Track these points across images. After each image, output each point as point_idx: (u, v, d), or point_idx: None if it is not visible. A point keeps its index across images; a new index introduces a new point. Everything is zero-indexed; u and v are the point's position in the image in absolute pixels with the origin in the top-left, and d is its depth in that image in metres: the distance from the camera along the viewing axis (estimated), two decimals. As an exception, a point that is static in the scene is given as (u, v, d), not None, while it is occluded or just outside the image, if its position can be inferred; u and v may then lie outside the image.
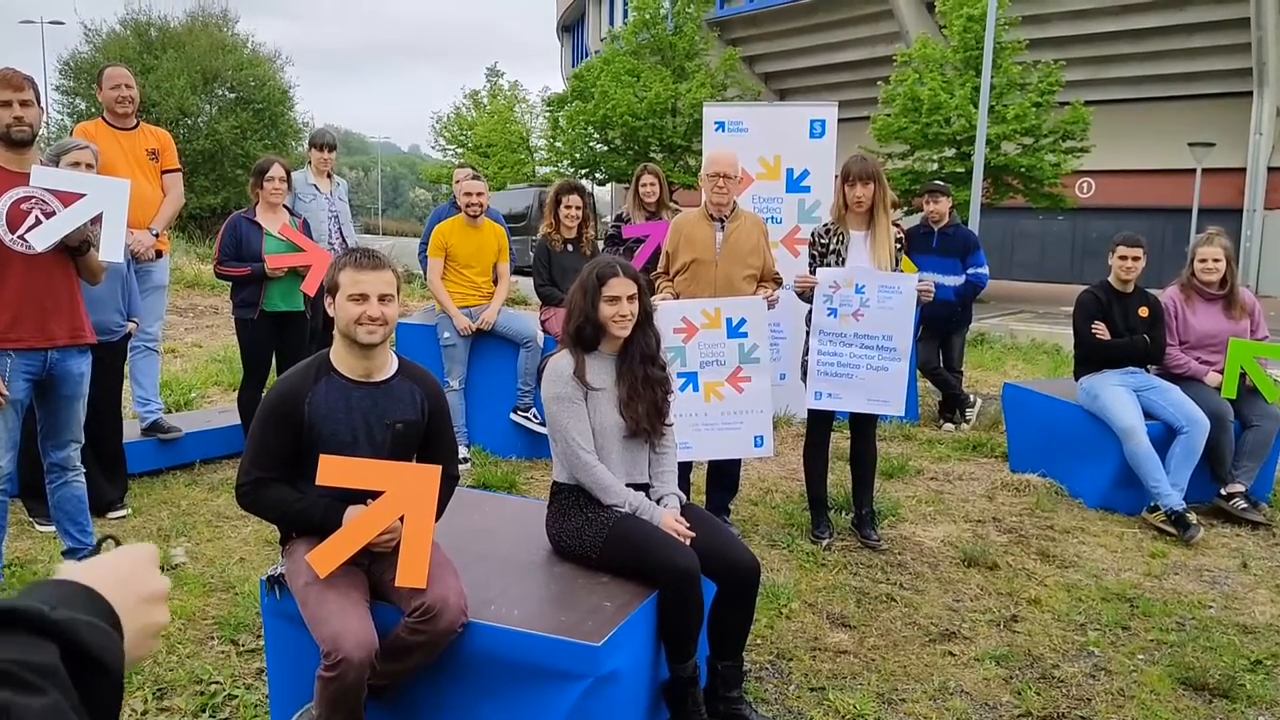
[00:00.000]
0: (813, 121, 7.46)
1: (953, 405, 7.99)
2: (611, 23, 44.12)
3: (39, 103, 3.97)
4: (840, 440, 5.59)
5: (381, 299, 2.97)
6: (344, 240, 6.88)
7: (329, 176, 7.02)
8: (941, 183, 8.19)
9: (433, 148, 51.34)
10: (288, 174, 6.07)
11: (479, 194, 6.40)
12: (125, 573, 1.10)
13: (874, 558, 5.02)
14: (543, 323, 6.68)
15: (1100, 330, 5.89)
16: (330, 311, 3.04)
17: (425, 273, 7.18)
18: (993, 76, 24.04)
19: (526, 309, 7.11)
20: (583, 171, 36.09)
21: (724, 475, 5.30)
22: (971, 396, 8.12)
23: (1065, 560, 5.07)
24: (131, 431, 5.78)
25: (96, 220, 3.99)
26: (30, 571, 4.38)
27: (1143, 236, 6.08)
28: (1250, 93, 27.93)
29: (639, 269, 6.59)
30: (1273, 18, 26.44)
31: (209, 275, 15.91)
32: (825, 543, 5.13)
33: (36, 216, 3.89)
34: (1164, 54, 29.59)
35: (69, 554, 4.27)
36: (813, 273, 5.07)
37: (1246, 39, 27.02)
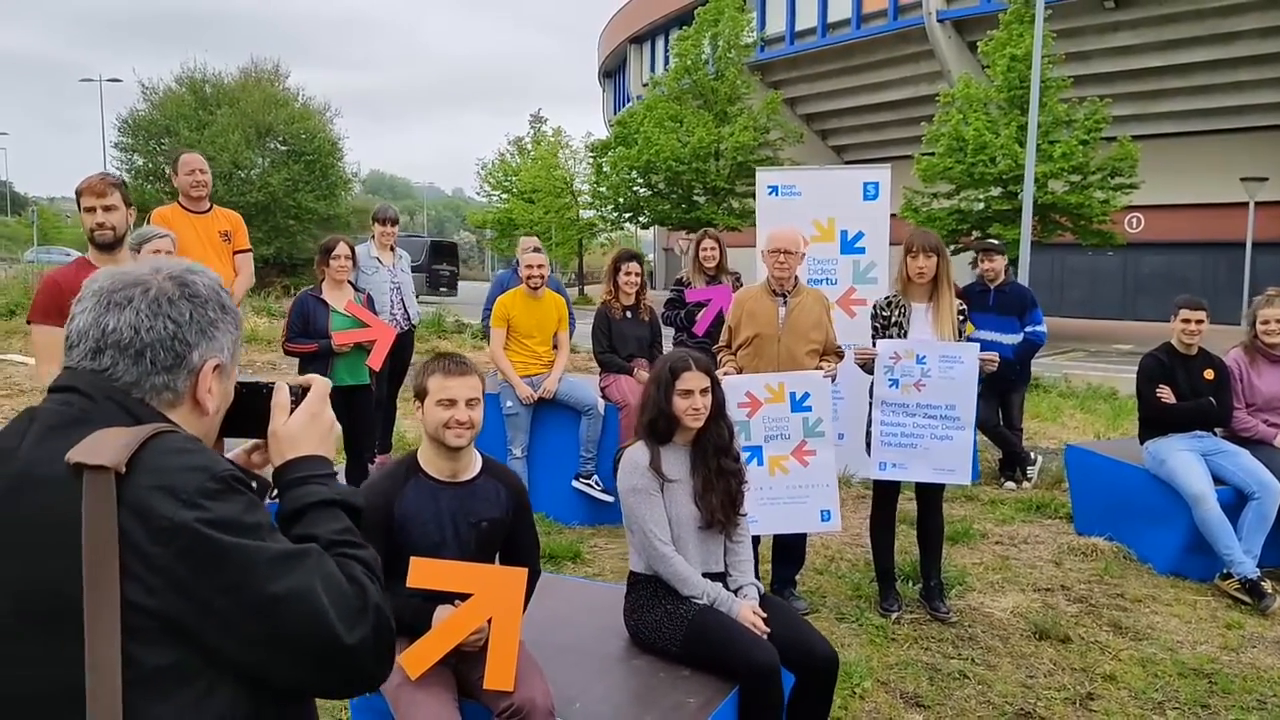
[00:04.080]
0: (866, 184, 7.51)
1: (1013, 463, 7.94)
2: (653, 69, 44.60)
3: (127, 204, 4.12)
4: (903, 503, 5.59)
5: (468, 403, 3.06)
6: (406, 312, 7.02)
7: (391, 249, 7.17)
8: (996, 241, 8.19)
9: (477, 193, 51.85)
10: (352, 251, 6.21)
11: (539, 266, 6.52)
12: (323, 428, 1.63)
13: (944, 631, 5.01)
14: (603, 389, 6.75)
15: (1165, 394, 5.86)
16: (418, 415, 3.13)
17: (485, 332, 7.33)
18: (1040, 114, 24.04)
19: (587, 376, 7.18)
20: (627, 215, 36.42)
21: (789, 549, 5.32)
22: (1032, 454, 8.07)
23: (1138, 632, 5.02)
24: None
25: None
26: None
27: (1205, 300, 6.03)
28: (1301, 125, 27.68)
29: (701, 334, 6.72)
30: (1321, 50, 26.24)
31: (265, 329, 16.23)
32: (894, 615, 5.12)
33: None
34: (1211, 88, 29.41)
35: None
36: (874, 344, 5.10)
37: (1295, 72, 26.82)
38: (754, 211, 31.49)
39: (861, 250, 7.52)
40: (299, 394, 1.64)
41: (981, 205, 26.07)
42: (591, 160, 38.05)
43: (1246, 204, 25.76)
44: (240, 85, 33.34)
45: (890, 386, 5.00)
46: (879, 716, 4.14)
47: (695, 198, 33.02)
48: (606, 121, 53.64)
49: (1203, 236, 29.51)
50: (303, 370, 6.13)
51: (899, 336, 5.08)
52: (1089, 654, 4.76)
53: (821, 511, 4.99)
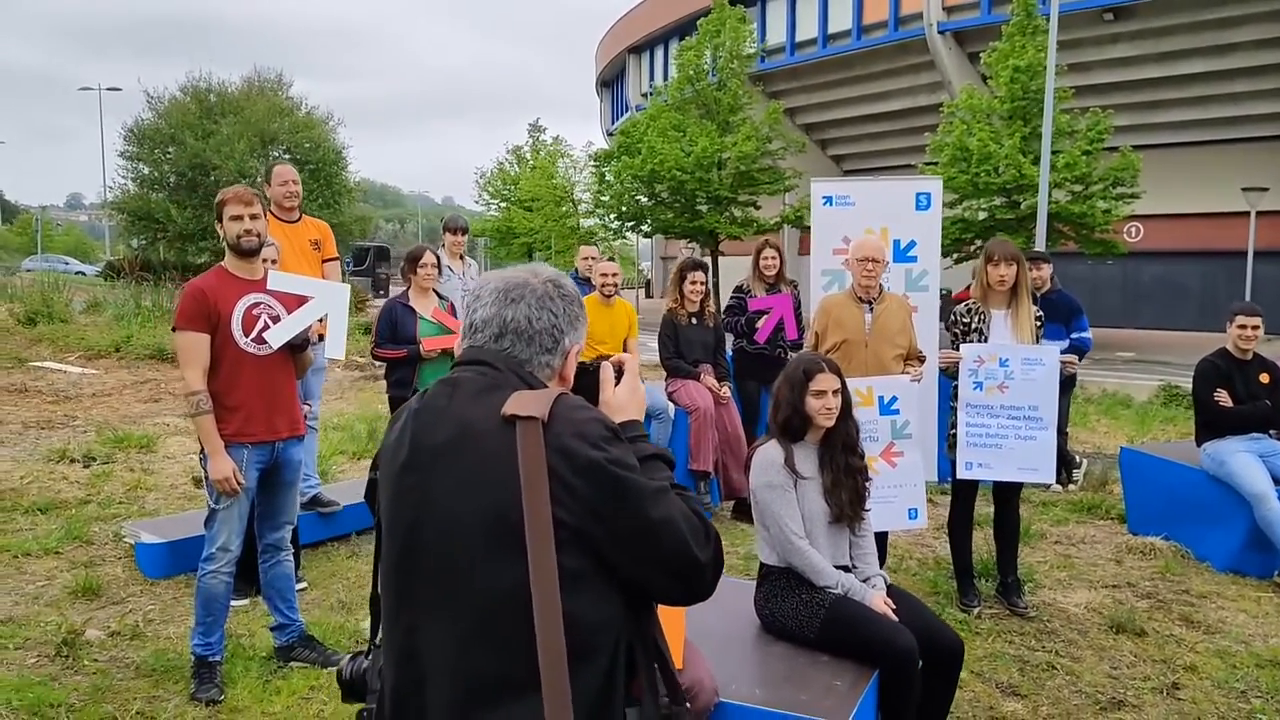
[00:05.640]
0: (918, 194, 7.70)
1: (1061, 466, 8.16)
2: (652, 79, 44.85)
3: (266, 213, 4.32)
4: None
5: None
6: (476, 318, 7.19)
7: (461, 258, 7.36)
8: (1041, 250, 8.42)
9: (476, 202, 52.09)
10: (438, 260, 6.40)
11: (614, 274, 6.74)
12: (639, 398, 2.04)
13: (1025, 625, 5.21)
14: (670, 394, 6.94)
15: (1223, 398, 6.08)
16: None
17: None
18: (1042, 125, 24.35)
19: (652, 382, 7.37)
20: (629, 224, 36.59)
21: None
22: (1077, 457, 8.29)
23: (1210, 626, 5.23)
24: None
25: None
26: (236, 643, 4.63)
27: (1260, 306, 6.26)
28: (1299, 136, 28.08)
29: (763, 342, 6.92)
30: (1318, 63, 26.63)
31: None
32: (975, 611, 5.32)
33: (265, 321, 4.21)
34: (1208, 99, 29.83)
35: (277, 630, 4.54)
36: (955, 349, 5.31)
37: (1292, 83, 27.21)
38: (755, 220, 31.86)
39: (914, 259, 7.70)
40: (619, 371, 2.06)
41: (985, 215, 26.40)
42: (594, 169, 38.25)
43: (1245, 214, 26.10)
44: (244, 94, 33.46)
45: (975, 389, 5.21)
46: (979, 705, 4.34)
47: (698, 207, 33.25)
48: (604, 131, 53.93)
49: (1202, 245, 29.91)
50: (390, 374, 6.32)
51: (979, 342, 5.29)
52: (1166, 646, 4.97)
53: (909, 510, 5.20)
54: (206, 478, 4.19)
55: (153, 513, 6.64)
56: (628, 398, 2.02)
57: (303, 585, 5.52)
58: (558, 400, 1.75)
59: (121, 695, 4.13)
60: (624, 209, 35.51)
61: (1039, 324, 5.41)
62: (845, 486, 3.79)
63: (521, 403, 1.72)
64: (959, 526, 5.49)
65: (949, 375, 5.37)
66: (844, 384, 3.83)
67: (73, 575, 5.42)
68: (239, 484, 4.13)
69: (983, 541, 5.88)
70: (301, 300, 4.35)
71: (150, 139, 31.91)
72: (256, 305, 4.23)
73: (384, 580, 1.89)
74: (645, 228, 36.55)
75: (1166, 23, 28.52)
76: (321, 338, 4.72)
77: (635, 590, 1.79)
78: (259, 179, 32.20)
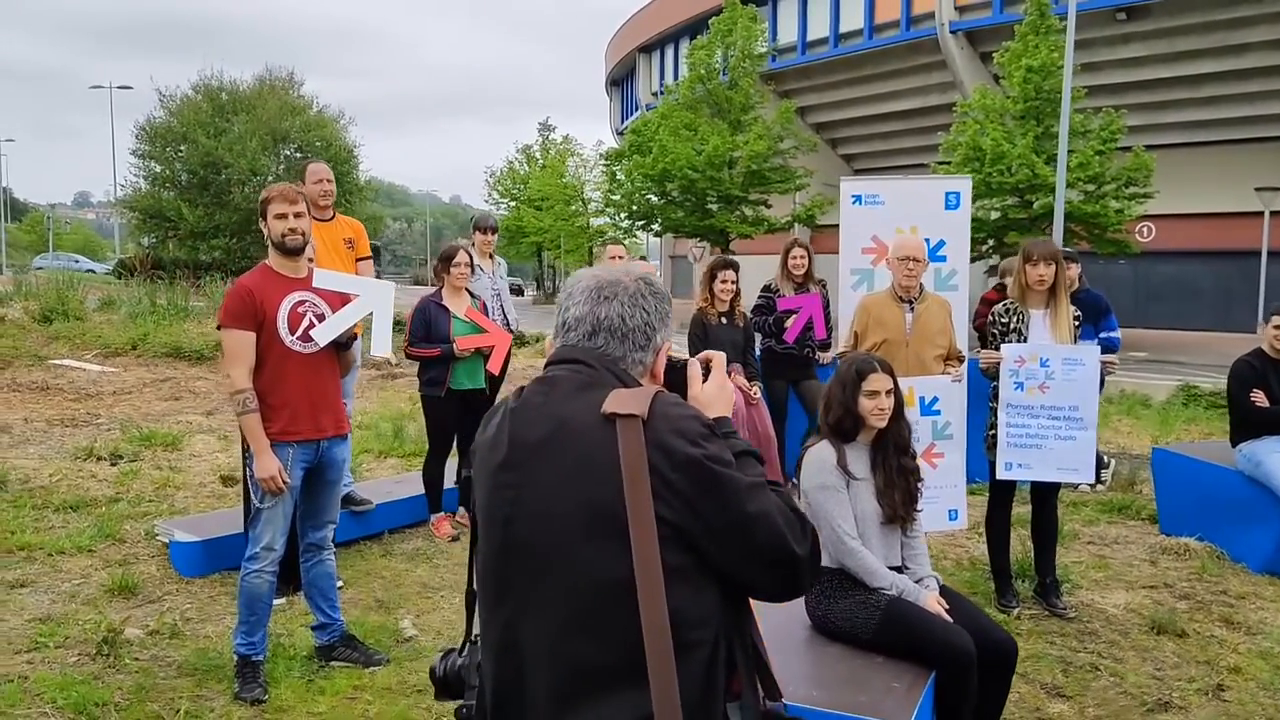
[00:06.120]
0: (948, 194, 7.66)
1: (1091, 466, 8.13)
2: (662, 78, 44.83)
3: (321, 213, 4.30)
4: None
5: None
6: (505, 317, 7.18)
7: (490, 257, 7.34)
8: (1071, 249, 8.37)
9: (486, 201, 52.13)
10: (471, 260, 6.39)
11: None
12: (727, 395, 2.00)
13: (1065, 626, 5.18)
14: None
15: (1259, 398, 6.05)
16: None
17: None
18: (1054, 125, 24.32)
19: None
20: (640, 223, 36.59)
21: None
22: (1105, 457, 8.25)
23: (1250, 627, 5.21)
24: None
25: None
26: (276, 642, 4.62)
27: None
28: (1313, 136, 27.98)
29: (791, 341, 6.89)
30: (1333, 62, 26.54)
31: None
32: (1014, 611, 5.30)
33: (310, 319, 4.20)
34: (1221, 99, 29.71)
35: (319, 629, 4.53)
36: (995, 349, 5.28)
37: (1307, 83, 27.12)
38: (766, 219, 31.85)
39: (943, 259, 7.66)
40: (706, 367, 2.05)
41: (997, 214, 26.36)
42: (605, 168, 38.25)
43: (1258, 213, 25.97)
44: (256, 93, 33.53)
45: (1015, 389, 5.18)
46: (1025, 706, 4.31)
47: (709, 206, 33.24)
48: (613, 130, 53.91)
49: (1214, 245, 29.78)
50: (423, 373, 6.31)
51: (1019, 342, 5.26)
52: (1208, 648, 4.94)
53: (949, 511, 5.19)
54: (251, 476, 4.17)
55: (182, 511, 6.64)
56: (716, 393, 2.00)
57: (339, 584, 5.52)
58: (656, 398, 1.76)
59: (166, 694, 4.12)
60: (634, 208, 35.52)
61: (1077, 324, 5.38)
62: (898, 487, 3.77)
63: (621, 401, 1.74)
64: (997, 527, 5.46)
65: (988, 376, 5.34)
66: (896, 384, 3.81)
67: (108, 573, 5.41)
68: (284, 482, 4.11)
69: (1016, 542, 5.85)
70: (346, 298, 4.34)
71: (162, 137, 31.98)
72: (302, 303, 4.21)
73: (482, 575, 1.90)
74: (656, 226, 36.54)
75: (1179, 22, 28.42)
76: (355, 337, 4.71)
77: (733, 586, 1.80)
78: (269, 178, 32.40)
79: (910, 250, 5.28)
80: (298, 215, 4.20)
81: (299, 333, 4.17)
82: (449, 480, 6.58)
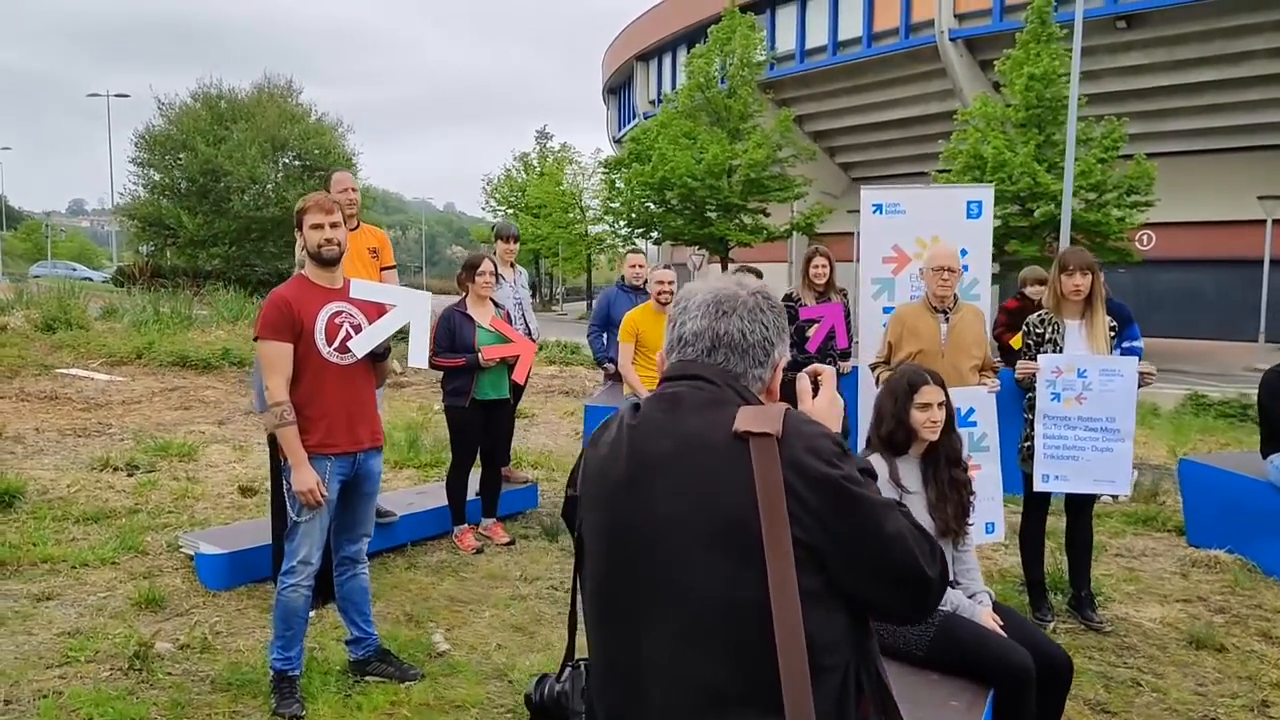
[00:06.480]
0: (969, 203, 7.64)
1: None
2: (659, 86, 44.84)
3: (357, 221, 4.25)
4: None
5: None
6: (527, 325, 7.13)
7: (512, 265, 7.29)
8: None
9: (483, 208, 52.11)
10: (496, 268, 6.33)
11: (669, 282, 6.66)
12: (838, 409, 1.98)
13: (1102, 640, 5.13)
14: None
15: (1292, 409, 6.01)
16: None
17: (593, 348, 7.49)
18: (1056, 133, 24.36)
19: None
20: (639, 231, 36.57)
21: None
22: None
23: (1290, 641, 5.16)
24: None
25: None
26: (309, 656, 4.55)
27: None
28: (1313, 144, 28.07)
29: (813, 351, 6.85)
30: (1332, 71, 26.62)
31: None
32: (1050, 625, 5.24)
33: (347, 330, 4.14)
34: (1220, 107, 29.82)
35: (353, 644, 4.47)
36: (1032, 359, 5.23)
37: (1306, 91, 27.19)
38: (765, 228, 31.87)
39: (965, 268, 7.63)
40: (815, 382, 2.03)
41: (999, 223, 26.34)
42: (604, 176, 38.23)
43: (1260, 221, 26.04)
44: (255, 101, 33.45)
45: (1052, 400, 5.13)
46: (1070, 722, 4.26)
47: (708, 214, 33.23)
48: (611, 138, 53.92)
49: (1215, 254, 29.81)
50: (446, 383, 6.24)
51: (1054, 352, 5.22)
52: (1249, 663, 4.89)
53: (986, 524, 5.13)
54: (289, 489, 4.09)
55: (203, 522, 6.57)
56: (827, 409, 1.97)
57: (366, 597, 5.45)
58: (787, 415, 1.72)
59: (202, 710, 4.05)
60: (634, 216, 35.49)
61: (1112, 334, 5.33)
62: (951, 501, 3.72)
63: (753, 418, 1.70)
64: (1032, 538, 5.41)
65: (1023, 386, 5.30)
66: (948, 396, 3.76)
67: (134, 586, 5.34)
68: (322, 496, 4.05)
69: (1046, 554, 5.80)
70: (382, 309, 4.28)
71: (162, 145, 31.90)
72: (339, 314, 4.16)
73: (593, 597, 1.85)
74: (655, 234, 36.52)
75: (1179, 31, 28.52)
76: (389, 347, 4.64)
77: (860, 607, 1.76)
78: (268, 186, 32.35)
79: (945, 260, 5.24)
80: (334, 225, 4.15)
81: (336, 344, 4.11)
82: (472, 491, 6.52)
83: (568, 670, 1.97)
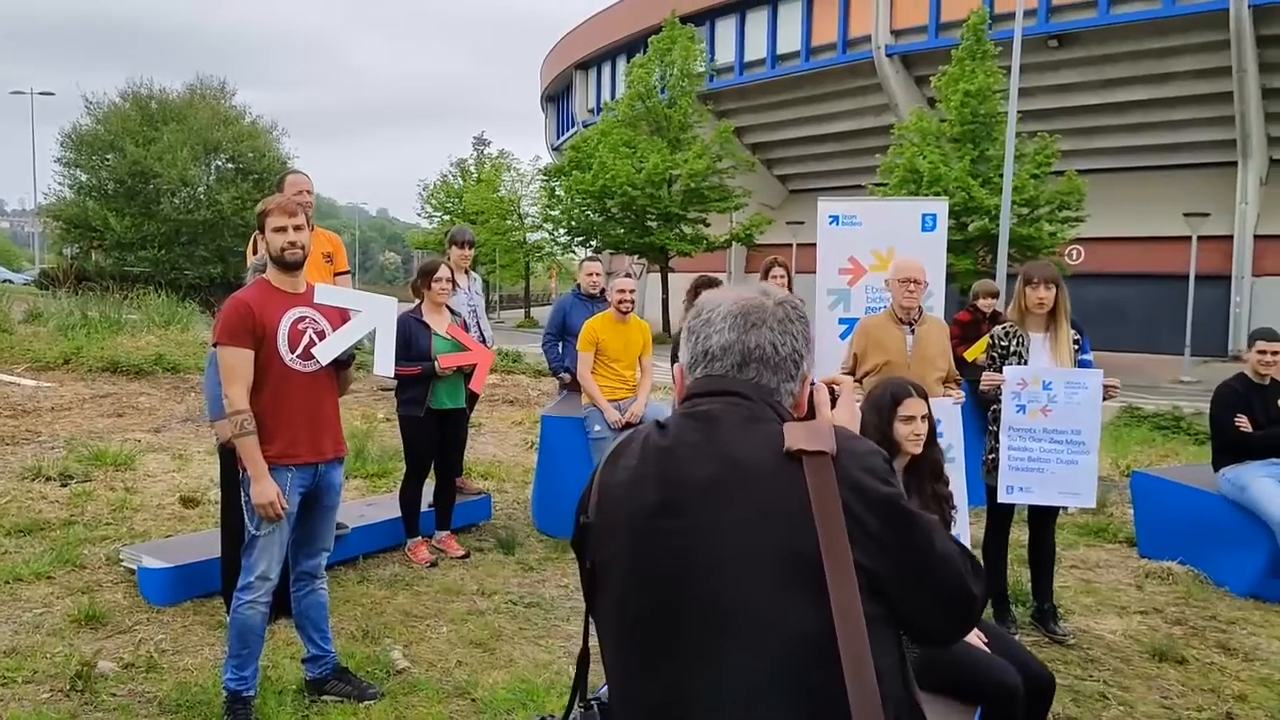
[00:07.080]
0: (924, 215, 7.65)
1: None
2: (599, 95, 44.80)
3: (309, 225, 4.10)
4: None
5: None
6: (481, 332, 7.00)
7: (467, 271, 7.15)
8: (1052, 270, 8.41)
9: (418, 214, 51.59)
10: (452, 275, 6.19)
11: (630, 291, 6.57)
12: (856, 421, 1.90)
13: (1066, 653, 5.13)
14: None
15: (1243, 423, 6.09)
16: None
17: (548, 357, 7.36)
18: (990, 148, 24.77)
19: (666, 402, 7.22)
20: (579, 239, 36.47)
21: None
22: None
23: (1248, 653, 5.20)
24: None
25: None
26: (262, 675, 4.37)
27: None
28: (1235, 163, 28.85)
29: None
30: (1254, 92, 27.42)
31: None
32: (1013, 638, 5.23)
33: (310, 336, 3.99)
34: (1148, 126, 30.56)
35: (310, 662, 4.30)
36: (997, 371, 5.23)
37: (1230, 111, 27.96)
38: (705, 238, 31.97)
39: (923, 280, 7.66)
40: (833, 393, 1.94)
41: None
42: (543, 183, 38.08)
43: (1184, 238, 26.64)
44: (187, 102, 32.75)
45: (1017, 412, 5.13)
46: (1041, 736, 4.24)
47: (649, 223, 33.26)
48: (549, 146, 53.75)
49: (1142, 269, 30.48)
50: (401, 392, 6.08)
51: (1019, 365, 5.22)
52: (1210, 675, 4.92)
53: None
54: (247, 501, 3.92)
55: (143, 535, 6.32)
56: (848, 420, 1.88)
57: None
58: (837, 433, 1.64)
59: (151, 734, 3.86)
60: (574, 224, 35.39)
61: (1076, 347, 5.35)
62: (933, 514, 3.66)
63: (804, 436, 1.61)
64: (995, 551, 5.40)
65: (988, 398, 5.29)
66: (930, 409, 3.72)
67: (72, 602, 5.10)
68: (283, 508, 3.88)
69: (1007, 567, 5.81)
70: (345, 314, 4.13)
71: (89, 145, 31.08)
72: (302, 320, 4.00)
73: (628, 632, 1.70)
74: (595, 243, 36.47)
75: (1109, 51, 29.20)
76: (354, 355, 4.49)
77: (905, 628, 1.71)
78: (199, 189, 31.67)
79: (911, 272, 5.22)
80: (297, 228, 3.99)
81: (299, 350, 3.95)
82: (424, 503, 6.36)
83: (577, 710, 1.83)
